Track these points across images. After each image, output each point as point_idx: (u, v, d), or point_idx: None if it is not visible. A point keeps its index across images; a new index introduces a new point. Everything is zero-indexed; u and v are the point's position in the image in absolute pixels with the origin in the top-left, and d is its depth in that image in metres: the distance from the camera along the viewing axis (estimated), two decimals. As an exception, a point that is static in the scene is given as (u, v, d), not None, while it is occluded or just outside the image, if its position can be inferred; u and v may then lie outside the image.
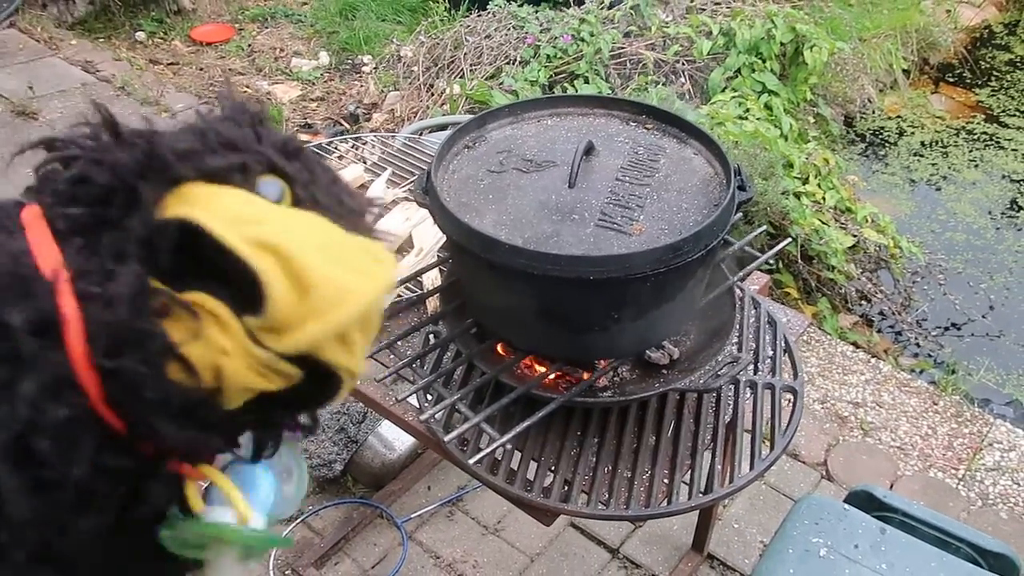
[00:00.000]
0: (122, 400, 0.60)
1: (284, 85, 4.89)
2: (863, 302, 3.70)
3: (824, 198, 3.61)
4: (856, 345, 3.43)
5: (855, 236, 3.56)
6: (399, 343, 1.60)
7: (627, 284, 1.24)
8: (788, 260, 3.51)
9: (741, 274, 1.56)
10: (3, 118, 4.40)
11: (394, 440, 2.58)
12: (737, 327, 1.62)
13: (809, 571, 1.75)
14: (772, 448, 1.47)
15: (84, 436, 0.59)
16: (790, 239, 1.78)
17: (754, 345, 1.66)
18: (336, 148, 2.53)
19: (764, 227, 1.73)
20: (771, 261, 3.45)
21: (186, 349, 0.59)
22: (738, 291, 1.63)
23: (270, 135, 0.71)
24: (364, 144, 2.48)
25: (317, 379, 0.65)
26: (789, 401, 1.58)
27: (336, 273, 0.60)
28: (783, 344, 1.66)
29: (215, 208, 0.61)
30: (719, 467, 1.46)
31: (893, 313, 3.65)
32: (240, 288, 0.60)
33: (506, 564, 2.46)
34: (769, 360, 1.64)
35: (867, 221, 3.65)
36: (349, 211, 0.71)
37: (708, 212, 1.33)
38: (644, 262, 1.22)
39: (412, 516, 2.56)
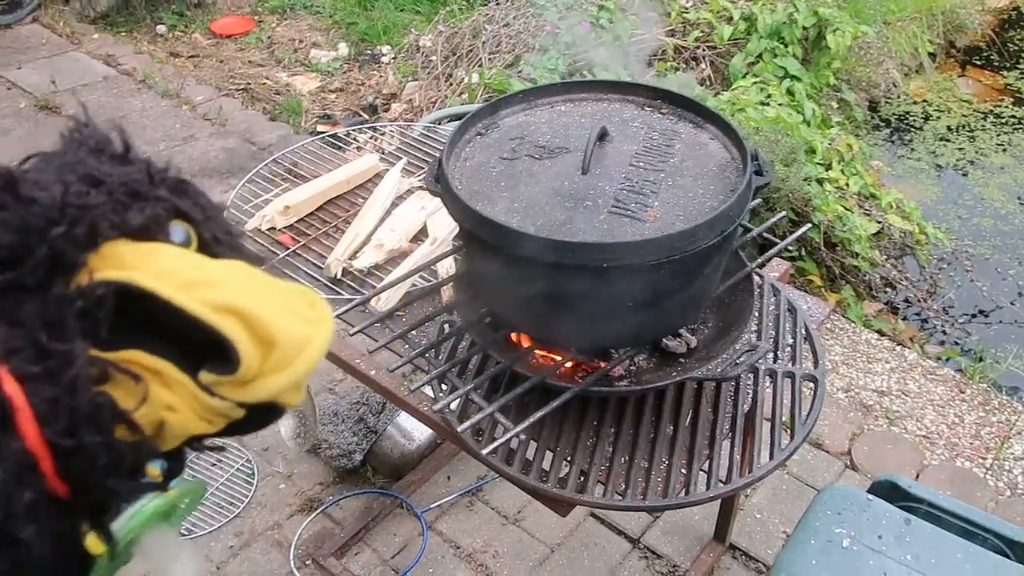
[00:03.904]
0: (78, 471, 0.60)
1: (303, 76, 4.90)
2: (888, 289, 3.64)
3: (848, 184, 3.56)
4: (881, 333, 3.38)
5: (879, 222, 3.51)
6: (413, 332, 1.59)
7: (641, 272, 1.22)
8: (811, 247, 3.46)
9: (759, 260, 1.53)
10: (27, 112, 4.43)
11: (413, 430, 2.57)
12: (756, 315, 1.59)
13: (832, 562, 1.73)
14: (792, 437, 1.45)
15: (40, 510, 0.60)
16: (810, 225, 1.75)
17: (773, 333, 1.64)
18: (355, 139, 2.52)
19: (784, 213, 1.70)
20: (793, 248, 3.41)
21: (129, 405, 0.60)
22: (757, 278, 1.60)
23: (158, 173, 0.70)
24: (383, 135, 2.47)
25: (260, 414, 0.67)
26: (810, 389, 1.56)
27: (294, 326, 0.63)
28: (803, 332, 1.64)
29: (157, 271, 0.62)
30: (738, 457, 1.43)
31: (918, 300, 3.60)
32: (192, 345, 0.62)
33: (526, 554, 2.46)
34: (789, 348, 1.61)
35: (892, 207, 3.59)
36: (236, 238, 0.73)
37: (724, 198, 1.30)
38: (658, 249, 1.20)
39: (432, 506, 2.56)
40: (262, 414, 0.67)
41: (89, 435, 0.59)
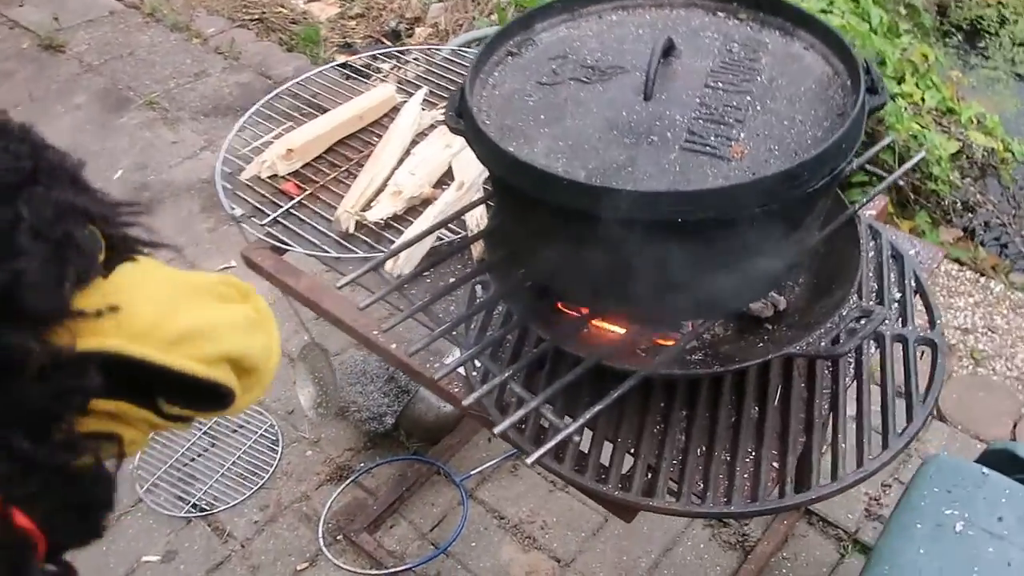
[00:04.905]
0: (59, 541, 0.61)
1: (321, 3, 4.57)
2: (967, 213, 3.29)
3: (923, 99, 3.19)
4: (960, 263, 3.05)
5: (959, 140, 3.15)
6: (440, 300, 1.32)
7: (727, 226, 0.94)
8: (882, 171, 3.12)
9: (865, 200, 1.24)
10: (30, 53, 4.18)
11: (449, 391, 2.33)
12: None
13: (943, 550, 1.46)
14: (910, 419, 1.17)
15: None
16: (923, 153, 1.44)
17: (876, 286, 1.35)
18: (378, 69, 2.23)
19: (891, 139, 1.39)
20: (864, 173, 3.08)
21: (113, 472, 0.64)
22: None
23: (49, 162, 0.60)
24: (407, 63, 2.18)
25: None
26: (924, 354, 1.28)
27: (261, 342, 0.67)
28: (913, 283, 1.34)
29: (133, 331, 0.59)
30: (843, 445, 1.16)
31: (1001, 224, 3.25)
32: (167, 386, 0.62)
33: (578, 524, 2.23)
34: (896, 305, 1.32)
35: (972, 123, 3.22)
36: (128, 223, 0.67)
37: (832, 125, 1.00)
38: (750, 196, 0.91)
39: (472, 473, 2.33)
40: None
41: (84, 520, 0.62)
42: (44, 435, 0.55)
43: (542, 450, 1.00)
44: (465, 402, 1.07)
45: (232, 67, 4.00)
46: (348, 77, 2.08)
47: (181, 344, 0.60)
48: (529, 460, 0.98)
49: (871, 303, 1.27)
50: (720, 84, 1.07)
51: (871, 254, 1.39)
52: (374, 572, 2.14)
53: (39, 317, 0.53)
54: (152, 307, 0.61)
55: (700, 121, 1.02)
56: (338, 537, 2.22)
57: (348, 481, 2.34)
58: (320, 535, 2.22)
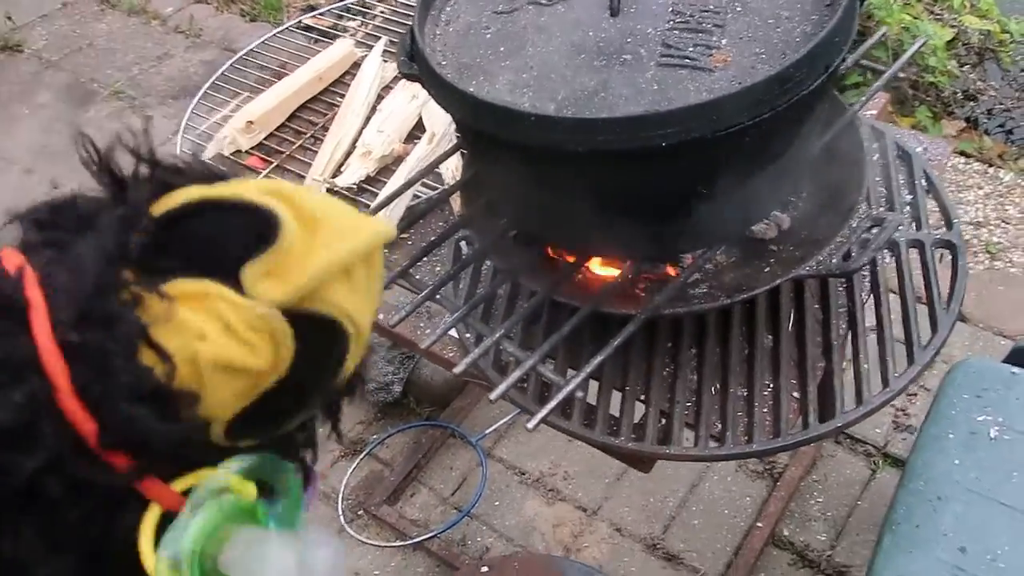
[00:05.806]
0: (92, 384, 0.53)
1: (278, -33, 4.40)
2: (968, 103, 3.17)
3: (911, -13, 3.05)
4: (966, 155, 2.95)
5: (953, 27, 3.01)
6: (422, 261, 1.23)
7: (717, 145, 0.84)
8: (876, 68, 3.00)
9: (865, 99, 1.14)
10: (-13, 57, 4.04)
11: (453, 351, 2.26)
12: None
13: (979, 459, 1.40)
14: (935, 329, 1.09)
15: (44, 429, 0.52)
16: (925, 39, 1.33)
17: (884, 190, 1.26)
18: (344, 29, 2.12)
19: (884, 30, 1.29)
20: (858, 74, 2.96)
21: (159, 334, 0.54)
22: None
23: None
24: (375, 18, 2.06)
25: (312, 332, 0.56)
26: (942, 258, 1.19)
27: (343, 214, 0.60)
28: (923, 183, 1.25)
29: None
30: (865, 365, 1.09)
31: (1005, 110, 3.14)
32: (230, 251, 0.55)
33: (600, 471, 2.17)
34: (908, 208, 1.23)
35: (965, 7, 3.08)
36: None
37: (821, 18, 0.91)
38: (739, 108, 0.82)
39: (487, 432, 2.27)
40: (315, 332, 0.56)
41: (100, 335, 0.53)
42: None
43: (543, 412, 0.92)
44: (456, 370, 0.99)
45: (195, 45, 3.87)
46: (315, 41, 1.98)
47: (236, 188, 0.61)
48: (530, 425, 0.91)
49: (881, 210, 1.18)
50: (693, -12, 0.97)
51: (875, 156, 1.29)
52: (399, 543, 2.09)
53: None
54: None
55: (675, 32, 0.92)
56: (359, 512, 2.17)
57: (363, 455, 2.28)
58: (340, 512, 2.17)
